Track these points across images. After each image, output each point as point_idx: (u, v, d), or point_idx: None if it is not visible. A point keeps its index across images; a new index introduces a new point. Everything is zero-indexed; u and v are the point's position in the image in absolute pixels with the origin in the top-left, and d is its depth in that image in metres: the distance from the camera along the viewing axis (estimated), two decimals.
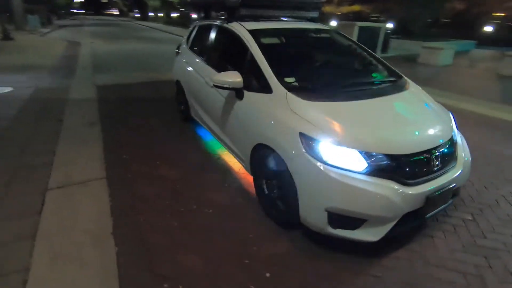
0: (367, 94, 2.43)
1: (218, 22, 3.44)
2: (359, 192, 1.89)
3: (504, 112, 5.40)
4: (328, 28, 3.41)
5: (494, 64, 10.29)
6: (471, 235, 2.40)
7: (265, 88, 2.45)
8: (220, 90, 2.90)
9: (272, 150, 2.28)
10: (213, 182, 3.08)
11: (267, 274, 1.99)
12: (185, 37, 4.47)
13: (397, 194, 1.91)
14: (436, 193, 2.05)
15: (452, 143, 2.29)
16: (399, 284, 1.95)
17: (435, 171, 2.08)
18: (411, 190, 1.95)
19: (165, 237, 2.30)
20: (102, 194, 2.75)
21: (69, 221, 2.37)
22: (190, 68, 3.91)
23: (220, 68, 3.15)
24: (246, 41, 2.79)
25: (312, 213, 2.05)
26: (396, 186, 1.92)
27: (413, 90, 2.70)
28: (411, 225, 2.18)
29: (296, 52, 3.19)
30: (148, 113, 5.00)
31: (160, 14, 39.46)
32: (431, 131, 2.24)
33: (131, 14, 57.87)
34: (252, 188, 2.86)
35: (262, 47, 2.68)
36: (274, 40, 2.99)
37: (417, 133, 2.19)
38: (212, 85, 2.79)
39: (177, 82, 4.55)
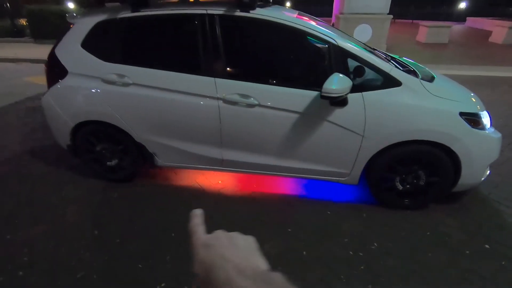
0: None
1: (218, 10, 2.21)
2: (499, 142, 2.36)
3: None
4: None
5: None
6: None
7: (386, 82, 2.17)
8: (292, 106, 2.24)
9: (420, 142, 2.20)
10: (315, 218, 2.42)
11: None
12: (77, 45, 2.42)
13: None
14: None
15: None
16: None
17: None
18: None
19: None
20: None
21: None
22: (161, 94, 2.35)
23: (270, 79, 2.29)
24: (318, 34, 2.15)
25: (475, 175, 2.31)
26: None
27: None
28: None
29: None
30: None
31: None
32: None
33: None
34: (359, 196, 2.69)
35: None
36: None
37: None
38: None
39: (92, 125, 2.60)
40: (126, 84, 2.39)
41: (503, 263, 2.01)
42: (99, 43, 2.44)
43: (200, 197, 2.68)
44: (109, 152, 2.71)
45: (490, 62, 7.79)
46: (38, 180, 2.92)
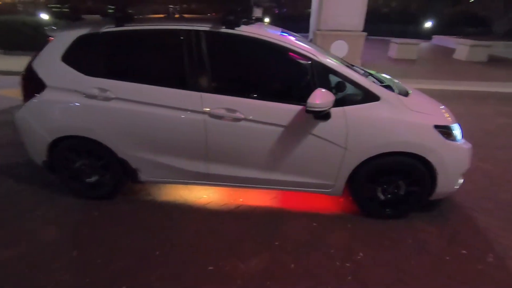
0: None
1: (204, 27, 2.25)
2: (470, 152, 2.50)
3: None
4: None
5: None
6: None
7: (366, 97, 2.27)
8: (278, 120, 2.30)
9: (398, 154, 2.31)
10: (301, 230, 2.45)
11: None
12: (57, 59, 2.35)
13: None
14: None
15: None
16: None
17: None
18: None
19: None
20: None
21: None
22: (145, 108, 2.33)
23: (247, 92, 2.34)
24: (301, 51, 2.23)
25: (450, 183, 2.45)
26: None
27: None
28: None
29: None
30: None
31: None
32: None
33: None
34: (343, 207, 2.73)
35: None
36: None
37: None
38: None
39: (71, 140, 2.51)
40: (108, 99, 2.34)
41: (479, 267, 2.11)
42: (81, 57, 2.39)
43: (186, 212, 2.63)
44: (89, 168, 2.61)
45: (455, 77, 8.35)
46: (10, 199, 2.75)
